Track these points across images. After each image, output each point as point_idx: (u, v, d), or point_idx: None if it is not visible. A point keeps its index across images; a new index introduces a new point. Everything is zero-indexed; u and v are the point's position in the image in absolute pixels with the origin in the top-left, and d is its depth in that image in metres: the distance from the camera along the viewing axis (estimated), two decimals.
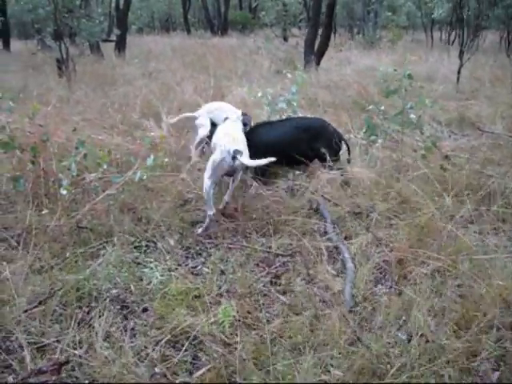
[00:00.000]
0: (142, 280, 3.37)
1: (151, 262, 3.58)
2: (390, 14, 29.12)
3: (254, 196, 4.75)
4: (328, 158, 4.93)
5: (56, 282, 3.37)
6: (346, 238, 4.05)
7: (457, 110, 8.11)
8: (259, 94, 6.48)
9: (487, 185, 4.67)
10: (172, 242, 3.99)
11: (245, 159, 4.23)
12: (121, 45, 15.30)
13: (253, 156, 4.43)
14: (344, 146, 5.27)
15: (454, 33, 22.32)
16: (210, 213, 4.27)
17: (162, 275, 3.28)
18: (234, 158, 4.21)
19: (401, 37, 19.19)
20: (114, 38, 16.29)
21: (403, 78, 5.30)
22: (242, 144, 4.41)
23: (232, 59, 14.25)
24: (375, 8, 24.81)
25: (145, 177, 4.42)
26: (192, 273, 3.61)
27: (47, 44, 14.17)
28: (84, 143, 4.66)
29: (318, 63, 12.36)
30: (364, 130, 5.61)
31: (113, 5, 21.39)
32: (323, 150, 4.99)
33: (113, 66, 12.10)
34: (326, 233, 4.14)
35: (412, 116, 5.30)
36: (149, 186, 4.95)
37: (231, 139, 4.38)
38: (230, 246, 3.98)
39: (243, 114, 5.27)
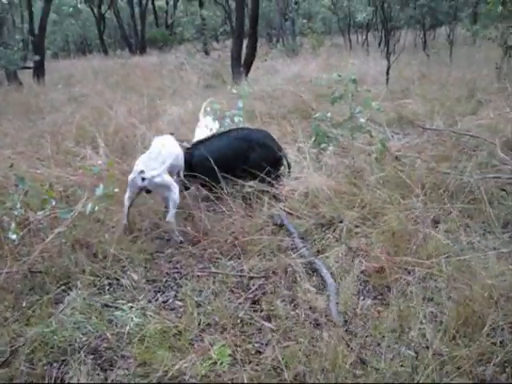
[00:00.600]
0: (114, 325, 3.07)
1: (119, 302, 3.30)
2: (305, 21, 29.75)
3: (212, 218, 4.52)
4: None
5: (16, 338, 3.03)
6: (318, 252, 3.91)
7: (393, 109, 8.19)
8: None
9: (446, 182, 4.67)
10: (136, 277, 3.71)
11: (156, 178, 4.32)
12: (39, 71, 14.63)
13: (201, 172, 4.72)
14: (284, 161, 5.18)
15: (370, 35, 23.05)
16: (124, 221, 4.42)
17: (135, 316, 2.97)
18: (143, 178, 4.31)
19: (322, 43, 19.46)
20: (30, 64, 15.57)
21: (349, 82, 5.25)
22: (155, 163, 4.42)
23: (158, 77, 13.95)
24: (292, 16, 25.14)
25: (96, 208, 4.12)
26: (165, 308, 3.35)
27: None
28: (24, 180, 4.30)
29: (246, 74, 12.27)
30: (313, 139, 5.48)
31: (25, 31, 20.59)
32: (262, 163, 4.81)
33: (35, 94, 11.50)
34: (295, 249, 3.98)
35: (361, 120, 5.25)
36: (100, 218, 4.66)
37: (145, 158, 4.52)
38: (198, 274, 3.74)
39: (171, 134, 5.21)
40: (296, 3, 25.85)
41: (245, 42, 13.26)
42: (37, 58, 14.12)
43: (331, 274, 3.51)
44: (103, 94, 10.75)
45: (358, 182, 4.81)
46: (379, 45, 18.22)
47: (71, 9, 34.20)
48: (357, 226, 4.11)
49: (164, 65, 17.12)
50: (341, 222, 4.17)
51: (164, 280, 3.72)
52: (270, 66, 15.31)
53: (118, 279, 3.69)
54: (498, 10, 9.53)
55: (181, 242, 4.29)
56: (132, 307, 3.00)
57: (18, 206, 3.84)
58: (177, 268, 3.90)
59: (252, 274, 3.67)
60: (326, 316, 3.11)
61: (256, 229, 4.29)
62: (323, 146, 5.34)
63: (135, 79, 13.57)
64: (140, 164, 4.44)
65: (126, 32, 32.36)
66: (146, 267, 3.89)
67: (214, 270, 3.77)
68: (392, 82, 10.60)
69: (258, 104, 8.98)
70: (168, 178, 4.47)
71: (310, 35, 20.50)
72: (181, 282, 3.68)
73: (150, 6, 34.71)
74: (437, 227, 4.06)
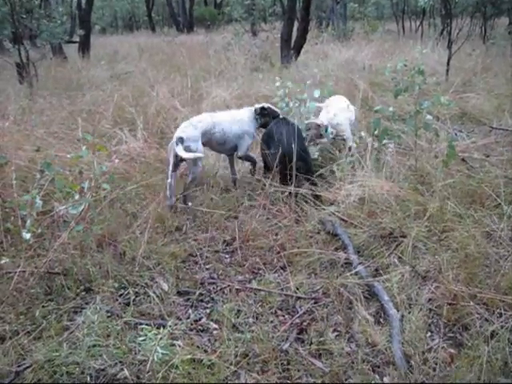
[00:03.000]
0: (135, 352, 2.59)
1: (144, 323, 2.83)
2: (356, 5, 28.74)
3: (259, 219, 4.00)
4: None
5: (25, 354, 2.61)
6: (377, 272, 3.34)
7: (455, 104, 7.49)
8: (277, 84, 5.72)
9: None
10: (165, 287, 3.25)
11: (179, 149, 4.31)
12: (85, 46, 14.35)
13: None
14: None
15: (424, 22, 22.02)
16: (167, 193, 4.45)
17: (161, 347, 2.47)
18: (177, 144, 4.33)
19: (376, 28, 18.61)
20: (76, 39, 15.29)
21: (416, 74, 4.64)
22: (194, 130, 4.49)
23: (204, 57, 13.46)
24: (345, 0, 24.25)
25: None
26: (197, 329, 2.88)
27: (5, 47, 13.15)
28: (50, 165, 3.86)
29: (296, 58, 11.67)
30: (375, 132, 4.84)
31: (74, 4, 20.34)
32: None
33: (78, 70, 11.17)
34: (350, 265, 3.43)
35: (428, 117, 4.63)
36: (129, 210, 4.23)
37: (186, 124, 4.57)
38: (237, 288, 3.24)
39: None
40: None
41: (295, 24, 12.67)
42: (82, 32, 13.79)
43: (393, 302, 2.96)
44: (146, 72, 10.33)
45: (423, 189, 4.22)
46: (441, 32, 17.20)
47: None
48: (424, 243, 3.53)
49: (211, 44, 16.59)
50: (404, 236, 3.60)
51: (197, 293, 3.23)
52: (320, 50, 14.63)
53: (144, 287, 3.23)
54: None
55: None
56: (157, 334, 2.49)
57: (38, 198, 3.38)
58: (213, 278, 3.41)
59: (299, 294, 3.15)
60: (386, 357, 2.59)
61: (305, 236, 3.78)
62: (385, 141, 4.72)
63: (180, 58, 13.08)
64: (179, 130, 4.49)
65: (174, 10, 32.02)
66: (177, 275, 3.40)
67: (255, 285, 3.26)
68: (452, 74, 9.82)
69: (308, 90, 8.40)
70: (201, 148, 4.48)
71: (363, 20, 19.59)
72: (216, 296, 3.20)
73: None
74: None
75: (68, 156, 4.69)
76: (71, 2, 20.99)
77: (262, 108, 4.99)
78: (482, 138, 6.08)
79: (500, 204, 3.96)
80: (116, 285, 3.21)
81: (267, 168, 4.72)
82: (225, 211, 4.25)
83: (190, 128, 4.47)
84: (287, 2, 12.47)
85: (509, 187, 4.18)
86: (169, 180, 4.45)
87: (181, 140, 4.33)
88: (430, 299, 3.02)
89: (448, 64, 9.74)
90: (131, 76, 10.25)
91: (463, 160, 5.06)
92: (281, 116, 5.03)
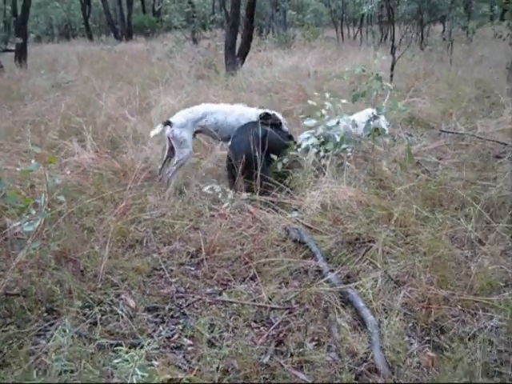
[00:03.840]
0: (110, 377, 2.43)
1: (115, 342, 2.69)
2: (294, 12, 29.10)
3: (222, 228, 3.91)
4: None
5: None
6: (348, 278, 3.32)
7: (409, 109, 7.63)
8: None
9: (483, 195, 4.13)
10: (132, 303, 3.11)
11: (174, 129, 4.95)
12: (21, 54, 13.82)
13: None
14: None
15: (365, 30, 22.52)
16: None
17: (138, 368, 2.33)
18: (164, 125, 4.99)
19: (317, 35, 18.85)
20: (12, 47, 14.74)
21: (373, 79, 4.68)
22: (182, 117, 5.05)
23: (147, 65, 13.27)
24: (284, 7, 24.49)
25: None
26: (170, 347, 2.76)
27: None
28: (1, 180, 3.64)
29: (241, 65, 11.65)
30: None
31: (7, 12, 19.67)
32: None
33: (17, 79, 10.74)
34: (320, 272, 3.39)
35: (384, 122, 4.68)
36: (86, 223, 4.05)
37: (178, 113, 5.23)
38: (208, 301, 3.14)
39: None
40: None
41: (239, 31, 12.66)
42: (19, 40, 13.31)
43: (369, 308, 2.94)
44: (89, 81, 10.05)
45: (384, 193, 4.25)
46: (384, 39, 17.70)
47: None
48: (390, 247, 3.54)
49: (152, 52, 16.38)
50: (371, 241, 3.59)
51: (167, 308, 3.11)
52: (263, 57, 14.67)
53: (110, 305, 3.08)
54: None
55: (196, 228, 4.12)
56: (133, 355, 2.35)
57: None
58: (181, 292, 3.29)
59: (273, 305, 3.07)
60: (369, 364, 2.55)
61: (271, 245, 3.72)
62: (343, 147, 4.72)
63: (123, 66, 12.86)
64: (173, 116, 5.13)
65: (111, 17, 31.46)
66: (144, 291, 3.27)
67: (226, 297, 3.17)
68: (396, 79, 10.03)
69: (257, 98, 8.37)
70: (186, 136, 4.97)
71: (304, 27, 19.84)
72: (187, 310, 3.09)
73: None
74: (480, 249, 3.50)
75: (17, 169, 4.49)
76: (5, 10, 20.28)
77: (266, 114, 5.12)
78: (432, 141, 6.20)
79: (461, 206, 4.03)
80: (80, 303, 3.04)
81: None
82: (187, 221, 4.15)
83: (179, 116, 5.07)
84: (231, 9, 12.42)
85: (467, 189, 4.26)
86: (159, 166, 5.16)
87: (169, 123, 4.96)
88: (405, 303, 3.02)
89: (392, 69, 9.95)
90: (74, 85, 9.96)
91: (418, 163, 5.13)
92: (284, 125, 5.21)
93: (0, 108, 7.68)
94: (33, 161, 3.56)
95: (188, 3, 22.62)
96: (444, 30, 18.74)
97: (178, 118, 5.02)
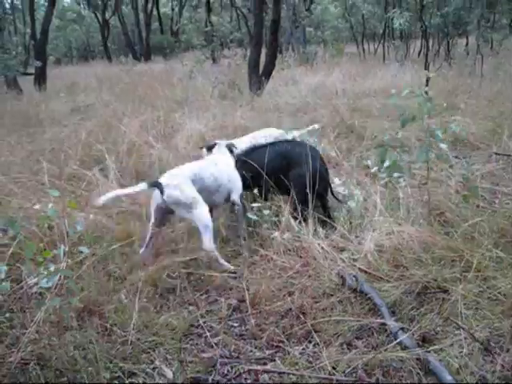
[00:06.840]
0: None
1: None
2: (311, 29, 28.75)
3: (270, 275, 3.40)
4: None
5: None
6: (424, 340, 2.78)
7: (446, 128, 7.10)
8: None
9: None
10: (170, 375, 2.61)
11: (172, 190, 3.60)
12: (41, 78, 13.61)
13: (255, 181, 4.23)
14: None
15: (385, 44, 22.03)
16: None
17: None
18: (161, 192, 3.61)
19: (342, 52, 18.42)
20: (31, 70, 14.56)
21: (425, 101, 4.17)
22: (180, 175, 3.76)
23: (167, 86, 12.88)
24: (304, 24, 24.14)
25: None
26: None
27: None
28: (15, 223, 3.17)
29: (265, 84, 11.21)
30: (385, 165, 4.32)
31: (27, 36, 19.59)
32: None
33: (36, 103, 10.41)
34: (385, 330, 2.86)
35: (443, 146, 4.16)
36: (111, 271, 3.58)
37: (172, 171, 3.88)
38: (259, 368, 2.62)
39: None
40: (308, 9, 24.86)
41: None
42: (38, 63, 13.08)
43: (457, 381, 2.40)
44: (110, 104, 9.69)
45: (447, 230, 3.72)
46: (419, 54, 17.29)
47: (75, 14, 33.47)
48: (466, 297, 3.00)
49: (172, 73, 16.05)
50: (444, 291, 3.06)
51: (210, 380, 2.60)
52: (287, 75, 14.24)
53: (144, 377, 2.59)
54: None
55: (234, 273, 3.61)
56: None
57: (3, 270, 2.70)
58: (225, 357, 2.77)
59: (339, 377, 2.55)
60: None
61: (323, 293, 3.21)
62: (396, 175, 4.20)
63: (143, 88, 12.49)
64: (162, 177, 3.79)
65: (130, 38, 31.52)
66: (181, 357, 2.77)
67: (281, 365, 2.65)
68: (431, 96, 9.49)
69: (287, 120, 7.89)
70: (191, 193, 3.67)
71: (327, 44, 19.46)
72: (235, 382, 2.58)
73: (154, 12, 33.90)
74: None
75: (34, 207, 4.06)
76: (24, 33, 20.22)
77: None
78: (483, 164, 5.67)
79: None
80: (108, 375, 2.56)
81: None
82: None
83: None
84: (254, 27, 12.03)
85: None
86: None
87: None
88: (503, 377, 2.47)
89: (427, 85, 9.43)
90: (93, 108, 9.59)
91: None
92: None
93: (18, 135, 7.30)
94: (50, 205, 3.09)
95: (208, 22, 22.47)
96: (467, 44, 18.32)
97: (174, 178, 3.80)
